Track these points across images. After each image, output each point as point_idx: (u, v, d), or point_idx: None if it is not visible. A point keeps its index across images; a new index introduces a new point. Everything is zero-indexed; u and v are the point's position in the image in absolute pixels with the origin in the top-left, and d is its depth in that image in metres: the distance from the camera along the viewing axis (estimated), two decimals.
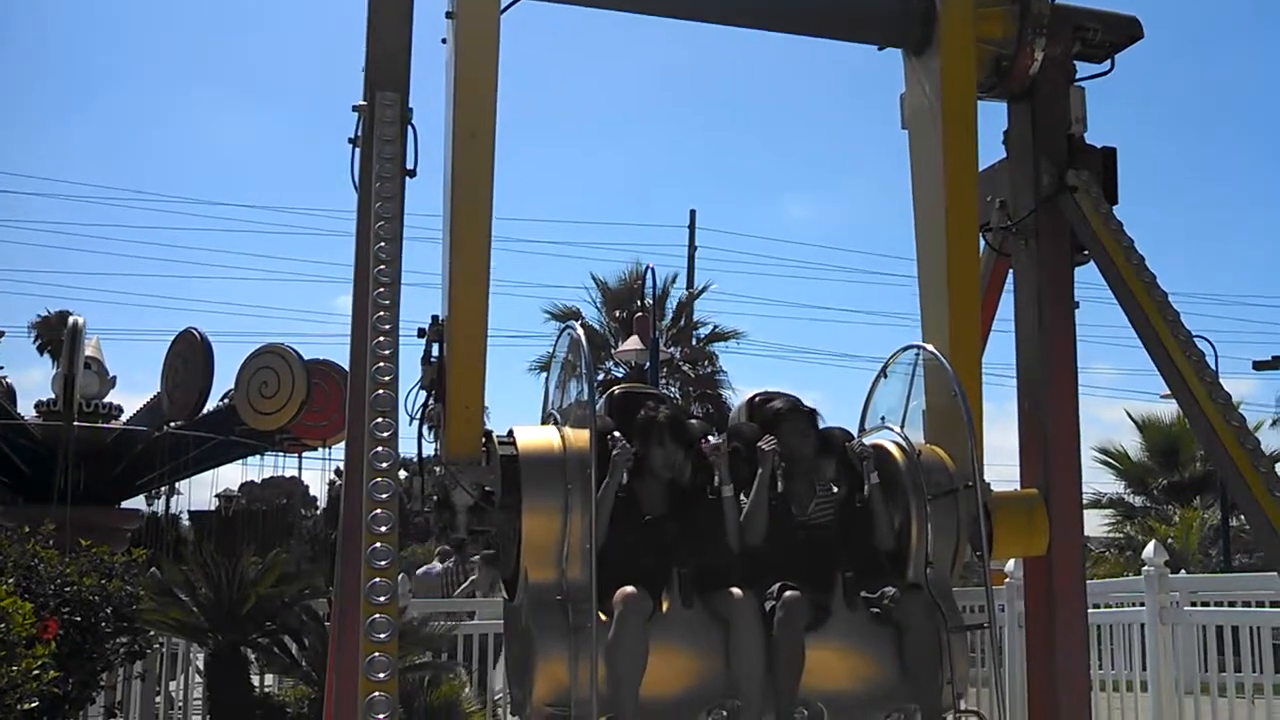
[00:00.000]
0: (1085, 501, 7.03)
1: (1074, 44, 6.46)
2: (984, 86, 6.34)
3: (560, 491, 4.93)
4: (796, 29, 6.45)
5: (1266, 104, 71.16)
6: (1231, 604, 10.96)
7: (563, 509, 4.92)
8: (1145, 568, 9.64)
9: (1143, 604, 9.58)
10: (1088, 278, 6.45)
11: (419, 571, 15.26)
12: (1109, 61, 6.59)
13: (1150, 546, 9.96)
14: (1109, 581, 15.05)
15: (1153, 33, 6.68)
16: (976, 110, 6.08)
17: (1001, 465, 7.68)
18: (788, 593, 4.92)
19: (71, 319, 23.59)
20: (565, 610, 4.85)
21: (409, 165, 5.54)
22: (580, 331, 5.28)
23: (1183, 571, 15.42)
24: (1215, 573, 19.77)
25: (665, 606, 4.93)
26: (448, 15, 5.57)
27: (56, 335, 31.85)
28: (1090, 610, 7.20)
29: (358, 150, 5.65)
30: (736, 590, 4.97)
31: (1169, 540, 20.71)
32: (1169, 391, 6.25)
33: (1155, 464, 29.43)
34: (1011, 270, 6.61)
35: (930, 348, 5.70)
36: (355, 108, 5.65)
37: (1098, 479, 29.31)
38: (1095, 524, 28.33)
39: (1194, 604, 10.78)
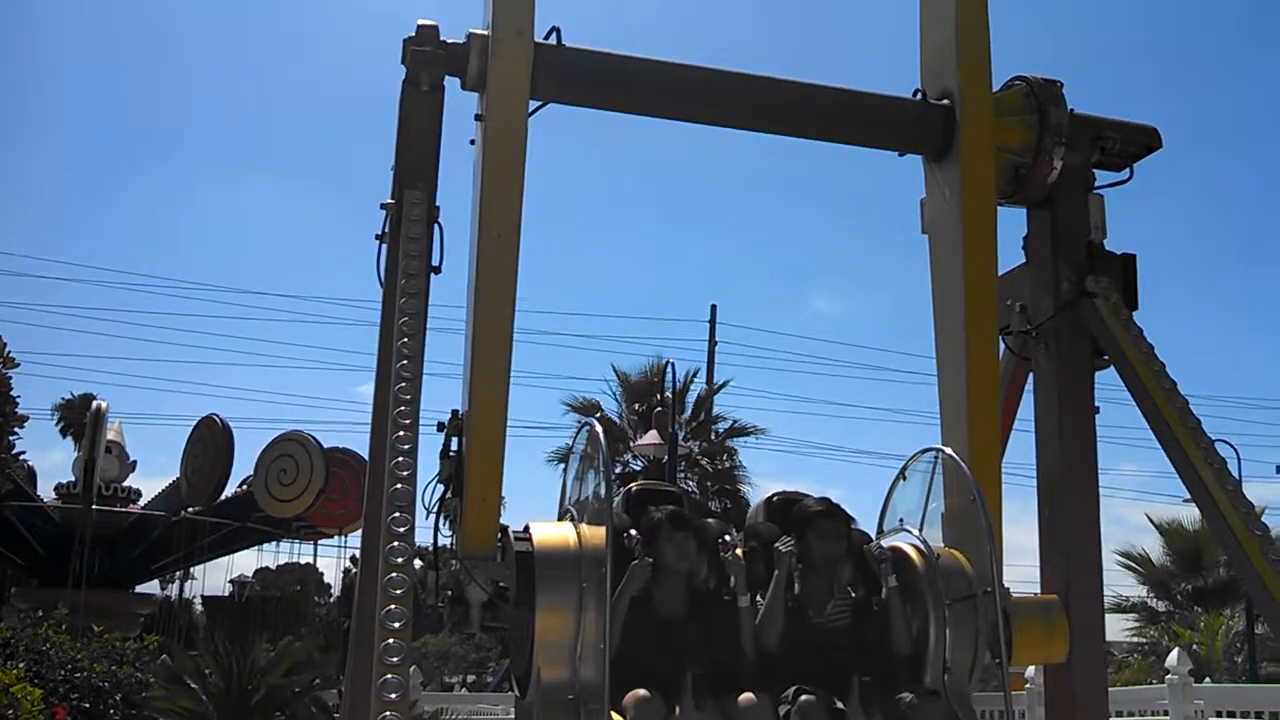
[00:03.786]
0: (1107, 605, 6.93)
1: (1093, 153, 6.53)
2: (1003, 193, 6.41)
3: (575, 589, 4.89)
4: (818, 135, 6.56)
5: None
6: (1259, 714, 10.73)
7: (577, 607, 4.87)
8: (1169, 676, 9.49)
9: (1166, 713, 9.40)
10: (1108, 377, 6.45)
11: None
12: (1128, 170, 6.66)
13: (1174, 654, 9.81)
14: (1132, 690, 14.77)
15: (1175, 134, 6.72)
16: (996, 216, 6.13)
17: (1022, 565, 7.61)
18: (803, 697, 4.85)
19: (95, 403, 23.84)
20: (577, 710, 4.78)
21: (434, 262, 5.62)
22: (599, 428, 5.28)
23: (1207, 679, 15.14)
24: (1240, 680, 19.38)
25: (678, 709, 4.87)
26: (477, 118, 5.68)
27: (79, 418, 32.03)
28: (1112, 718, 7.07)
29: (384, 246, 5.74)
30: (750, 694, 4.91)
31: (1194, 646, 20.37)
32: (1191, 497, 6.20)
33: (1178, 568, 29.03)
34: (1031, 374, 6.62)
35: (949, 451, 5.66)
36: (383, 206, 5.75)
37: (1120, 582, 28.94)
38: (1118, 628, 27.90)
39: (1219, 714, 10.55)
